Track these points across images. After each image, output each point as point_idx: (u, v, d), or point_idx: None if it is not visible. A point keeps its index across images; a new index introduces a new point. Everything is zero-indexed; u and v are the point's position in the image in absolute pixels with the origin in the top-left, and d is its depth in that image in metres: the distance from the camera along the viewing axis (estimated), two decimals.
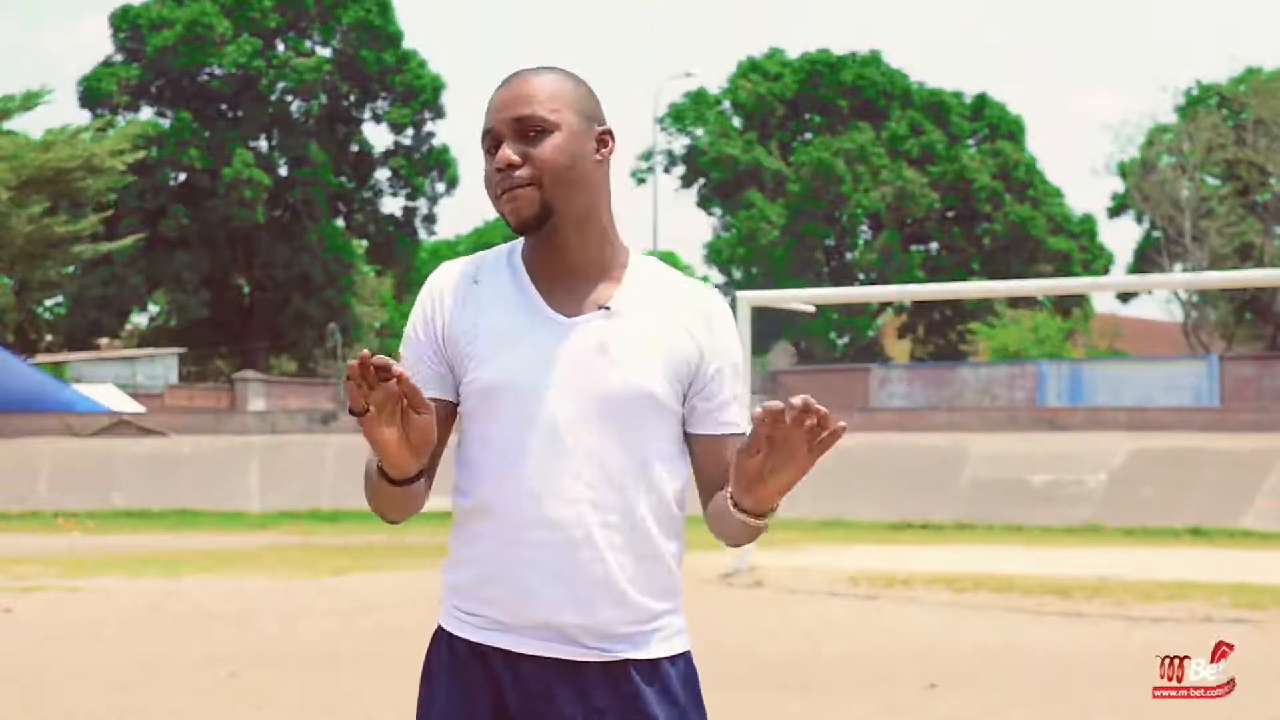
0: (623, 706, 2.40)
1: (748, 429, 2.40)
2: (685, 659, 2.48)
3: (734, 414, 2.52)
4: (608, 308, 2.45)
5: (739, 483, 2.30)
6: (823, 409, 2.20)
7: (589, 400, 2.40)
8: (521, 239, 2.53)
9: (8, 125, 34.63)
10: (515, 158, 2.45)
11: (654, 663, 2.43)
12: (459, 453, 2.51)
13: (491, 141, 2.50)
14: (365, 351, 2.20)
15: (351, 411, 2.24)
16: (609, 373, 2.42)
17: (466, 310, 2.49)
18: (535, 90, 2.49)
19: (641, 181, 56.00)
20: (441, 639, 2.49)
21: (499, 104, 2.50)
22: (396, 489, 2.36)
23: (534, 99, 2.48)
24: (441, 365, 2.49)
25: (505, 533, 2.41)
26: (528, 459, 2.40)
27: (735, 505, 2.33)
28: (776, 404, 2.21)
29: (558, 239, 2.47)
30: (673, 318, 2.48)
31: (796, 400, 2.20)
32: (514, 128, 2.47)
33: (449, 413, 2.51)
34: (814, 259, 52.81)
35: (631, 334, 2.44)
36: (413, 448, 2.28)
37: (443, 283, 2.54)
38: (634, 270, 2.52)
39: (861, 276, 52.25)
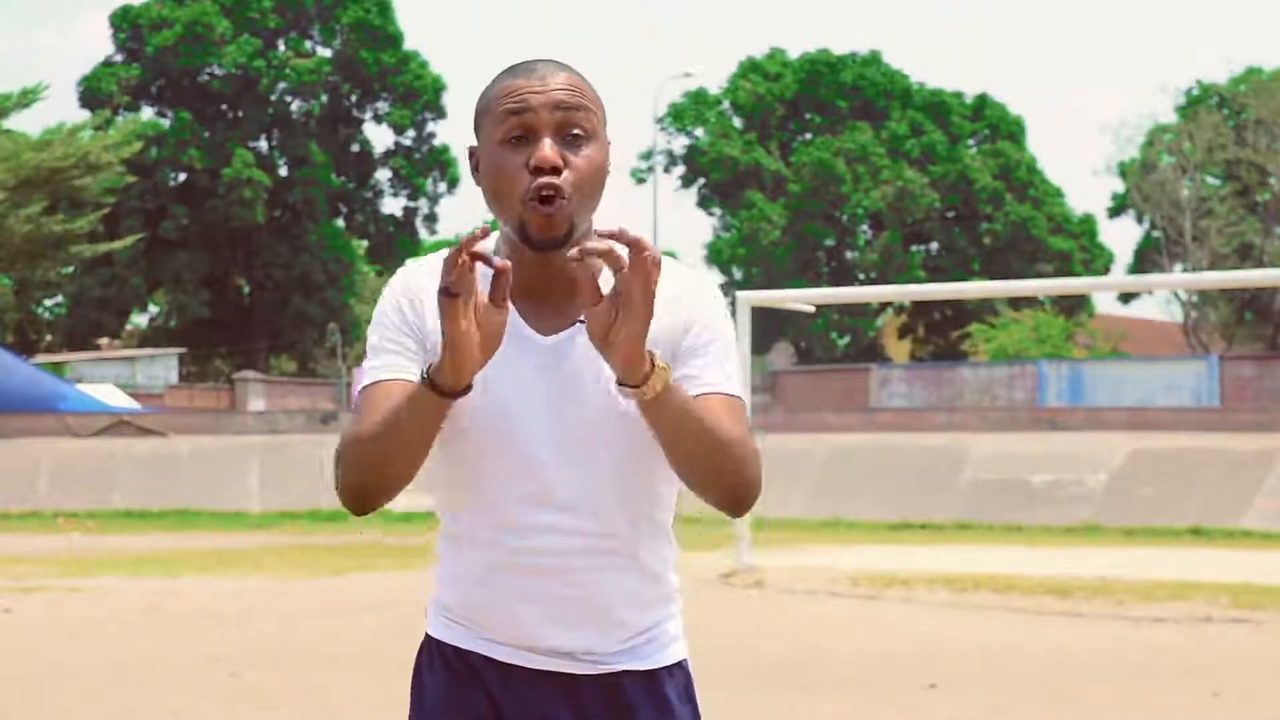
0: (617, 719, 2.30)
1: (736, 393, 2.24)
2: (681, 667, 2.37)
3: (714, 376, 2.24)
4: (583, 321, 2.16)
5: (602, 354, 2.10)
6: (634, 236, 1.99)
7: (569, 423, 2.22)
8: (493, 241, 2.27)
9: (5, 124, 34.65)
10: (559, 160, 2.17)
11: (650, 673, 2.32)
12: (439, 469, 2.30)
13: (525, 131, 2.18)
14: (475, 232, 2.00)
15: (444, 291, 2.02)
16: (588, 394, 2.22)
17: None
18: (579, 85, 2.22)
19: (641, 181, 56.04)
20: (430, 645, 2.37)
21: (537, 89, 2.19)
22: (436, 410, 2.11)
23: (582, 95, 2.21)
24: (422, 354, 2.23)
25: (488, 558, 2.26)
26: (508, 487, 2.23)
27: (620, 386, 2.12)
28: (591, 246, 2.01)
29: (554, 256, 2.19)
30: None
31: (608, 233, 1.99)
32: (559, 122, 2.19)
33: None
34: (814, 259, 52.84)
35: None
36: (483, 348, 2.07)
37: (414, 284, 2.26)
38: None
39: (862, 276, 52.25)
